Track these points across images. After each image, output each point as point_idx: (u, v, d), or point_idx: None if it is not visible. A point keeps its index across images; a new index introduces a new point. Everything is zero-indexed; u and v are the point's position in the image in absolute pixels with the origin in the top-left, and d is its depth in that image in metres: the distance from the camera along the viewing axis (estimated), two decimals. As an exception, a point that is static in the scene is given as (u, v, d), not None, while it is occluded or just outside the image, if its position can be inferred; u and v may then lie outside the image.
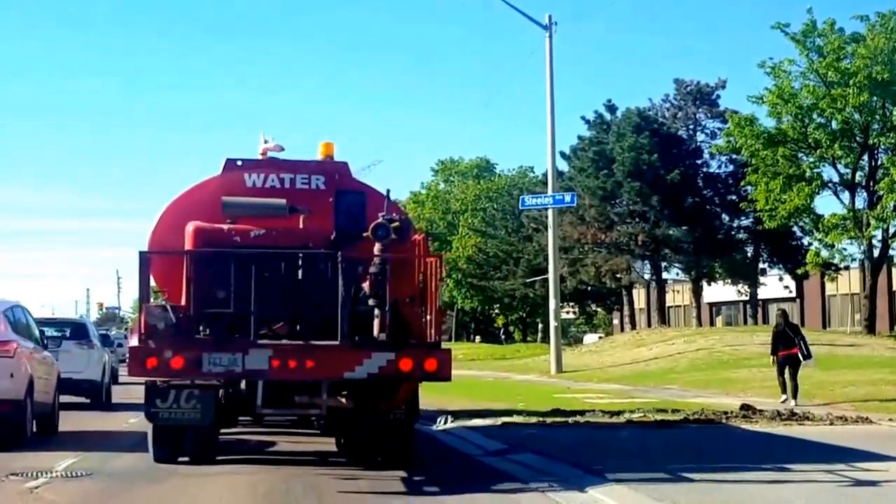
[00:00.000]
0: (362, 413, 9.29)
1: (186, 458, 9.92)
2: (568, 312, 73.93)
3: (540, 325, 66.00)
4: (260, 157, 10.87)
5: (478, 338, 74.87)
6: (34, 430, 12.60)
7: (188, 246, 9.26)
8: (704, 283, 49.82)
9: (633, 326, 53.74)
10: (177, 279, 9.23)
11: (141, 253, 9.33)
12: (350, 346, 9.10)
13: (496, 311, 72.86)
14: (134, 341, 9.39)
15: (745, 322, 54.75)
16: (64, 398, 15.13)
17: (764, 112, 39.35)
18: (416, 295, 9.61)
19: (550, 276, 32.42)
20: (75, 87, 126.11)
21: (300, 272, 9.25)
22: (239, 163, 10.48)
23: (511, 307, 68.81)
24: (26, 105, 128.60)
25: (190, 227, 9.37)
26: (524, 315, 71.18)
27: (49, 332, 16.84)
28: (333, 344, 9.09)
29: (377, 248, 9.27)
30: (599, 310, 69.75)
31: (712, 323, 61.15)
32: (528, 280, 60.20)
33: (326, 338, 9.10)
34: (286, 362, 9.00)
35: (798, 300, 51.03)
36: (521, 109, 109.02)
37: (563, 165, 50.77)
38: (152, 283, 9.77)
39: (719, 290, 53.49)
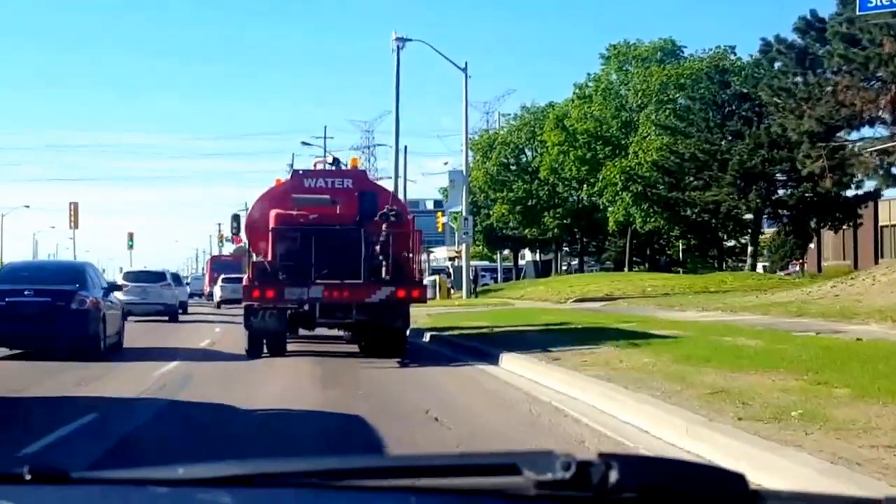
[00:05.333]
0: (377, 323, 17.83)
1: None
2: (780, 233, 65.55)
3: (749, 249, 60.40)
4: (314, 168, 19.56)
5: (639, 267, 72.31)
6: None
7: (272, 225, 18.40)
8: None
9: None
10: (265, 245, 17.99)
11: (247, 230, 18.20)
12: (368, 283, 18.40)
13: (679, 230, 67.30)
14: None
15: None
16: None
17: None
18: (409, 253, 18.04)
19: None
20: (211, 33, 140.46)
21: (339, 240, 17.68)
22: (300, 172, 19.37)
23: (703, 227, 63.57)
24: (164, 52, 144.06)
25: (272, 213, 18.50)
26: (725, 235, 65.65)
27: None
28: (358, 282, 18.97)
29: (384, 226, 17.66)
30: (826, 230, 61.08)
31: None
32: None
33: (354, 279, 18.05)
34: (332, 293, 18.05)
35: None
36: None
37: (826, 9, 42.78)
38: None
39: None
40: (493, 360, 17.59)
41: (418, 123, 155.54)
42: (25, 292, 18.52)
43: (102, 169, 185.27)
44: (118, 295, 32.37)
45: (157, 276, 39.44)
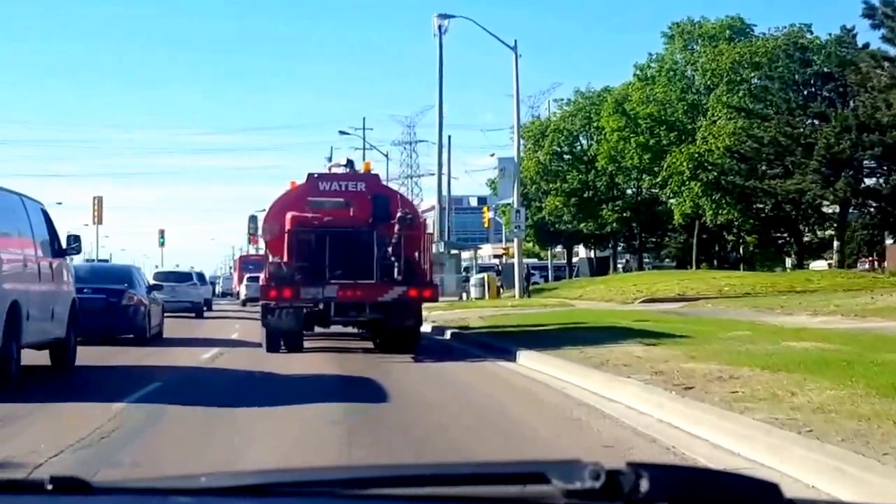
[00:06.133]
0: (390, 321, 18.67)
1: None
2: (865, 226, 61.12)
3: (835, 244, 56.06)
4: (328, 171, 20.38)
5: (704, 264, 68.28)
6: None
7: (287, 227, 19.48)
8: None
9: None
10: (282, 246, 18.90)
11: (263, 232, 19.06)
12: (381, 283, 19.49)
13: (750, 225, 63.22)
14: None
15: None
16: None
17: None
18: (420, 254, 18.81)
19: None
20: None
21: (352, 241, 18.51)
22: (315, 175, 20.18)
23: (776, 220, 59.18)
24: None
25: (288, 216, 19.65)
26: (806, 228, 61.56)
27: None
28: (371, 282, 20.04)
29: (396, 228, 18.51)
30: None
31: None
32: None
33: (367, 279, 18.99)
34: (346, 292, 19.04)
35: None
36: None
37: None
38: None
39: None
40: (584, 382, 13.49)
41: (461, 119, 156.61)
42: (84, 290, 21.55)
43: (137, 166, 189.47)
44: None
45: (185, 276, 45.92)
